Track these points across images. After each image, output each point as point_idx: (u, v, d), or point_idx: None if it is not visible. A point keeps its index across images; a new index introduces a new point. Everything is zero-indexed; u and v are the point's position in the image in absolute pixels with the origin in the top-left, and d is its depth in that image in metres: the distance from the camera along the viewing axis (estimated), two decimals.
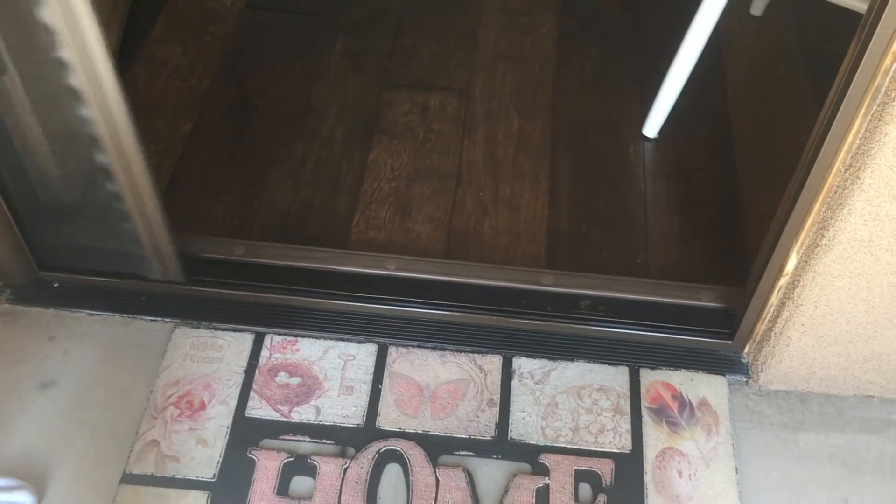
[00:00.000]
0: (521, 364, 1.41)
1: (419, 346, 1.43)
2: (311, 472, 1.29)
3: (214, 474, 1.28)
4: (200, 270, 1.47)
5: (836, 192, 1.11)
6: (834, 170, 1.10)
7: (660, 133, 1.74)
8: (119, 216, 1.34)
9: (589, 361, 1.42)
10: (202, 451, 1.30)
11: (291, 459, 1.30)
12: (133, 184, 1.29)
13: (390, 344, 1.43)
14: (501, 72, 1.87)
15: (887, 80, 0.98)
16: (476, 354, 1.42)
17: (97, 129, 1.21)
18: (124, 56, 1.84)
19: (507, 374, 1.40)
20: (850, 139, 1.06)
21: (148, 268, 1.42)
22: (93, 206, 1.36)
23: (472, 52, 1.90)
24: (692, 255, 1.57)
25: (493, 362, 1.42)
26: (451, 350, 1.43)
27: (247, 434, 1.32)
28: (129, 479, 1.27)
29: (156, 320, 1.44)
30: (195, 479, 1.28)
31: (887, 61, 0.97)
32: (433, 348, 1.43)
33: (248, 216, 1.60)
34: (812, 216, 1.16)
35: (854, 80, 1.01)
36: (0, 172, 1.31)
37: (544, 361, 1.42)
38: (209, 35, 1.91)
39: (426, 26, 1.95)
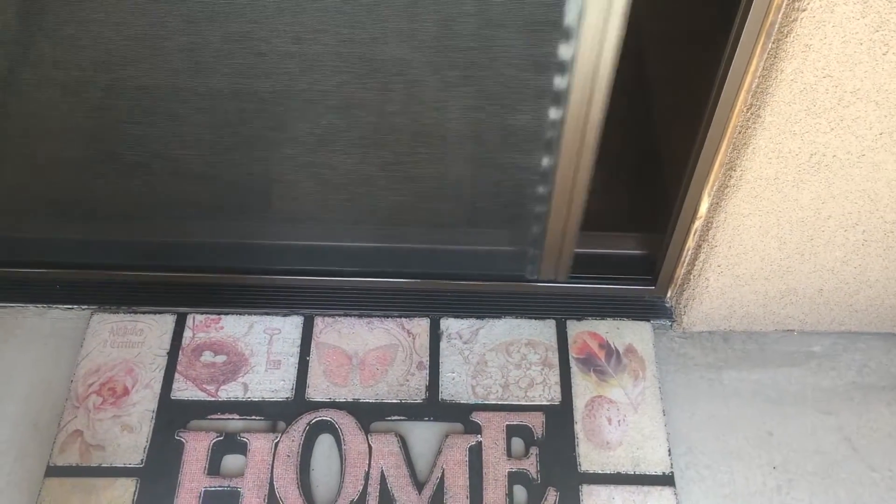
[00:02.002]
0: (449, 325, 1.41)
1: (346, 315, 1.42)
2: (242, 449, 1.28)
3: (142, 460, 1.26)
4: (116, 255, 1.43)
5: (740, 132, 1.12)
6: (736, 110, 1.11)
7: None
8: (534, 219, 1.32)
9: (516, 317, 1.42)
10: (128, 438, 1.28)
11: (221, 438, 1.28)
12: (564, 185, 1.25)
13: (316, 315, 1.42)
14: None
15: (780, 15, 0.98)
16: (403, 319, 1.42)
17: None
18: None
19: (435, 336, 1.40)
20: (749, 78, 1.06)
21: (534, 268, 1.41)
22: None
23: None
24: (613, 204, 1.57)
25: (421, 325, 1.41)
26: (378, 316, 1.42)
27: (174, 416, 1.30)
28: (53, 471, 1.24)
29: (72, 308, 1.40)
30: (122, 466, 1.25)
31: None
32: (360, 316, 1.42)
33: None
34: (720, 157, 1.17)
35: (748, 18, 1.02)
36: None
37: (472, 321, 1.42)
38: None
39: None
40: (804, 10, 0.95)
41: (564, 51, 1.07)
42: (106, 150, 1.33)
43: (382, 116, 1.19)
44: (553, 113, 1.16)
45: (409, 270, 1.45)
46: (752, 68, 1.05)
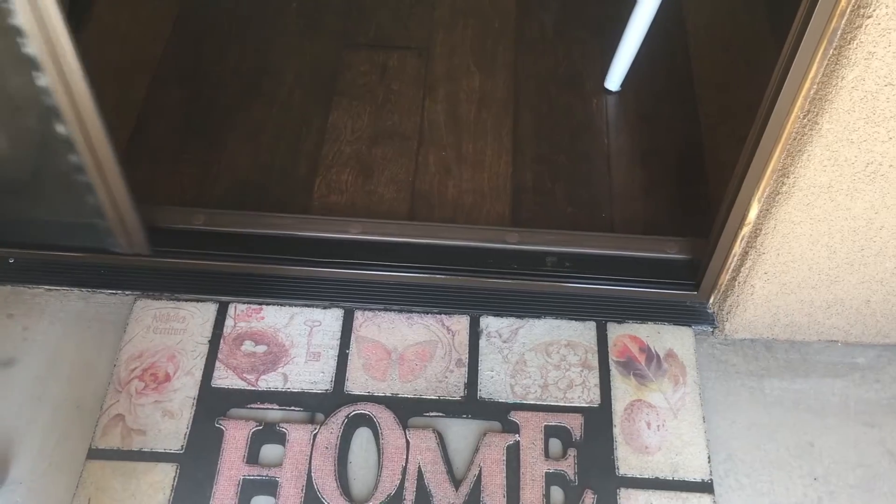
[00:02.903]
0: (489, 323, 1.41)
1: (386, 310, 1.42)
2: (281, 439, 1.28)
3: (182, 446, 1.27)
4: (161, 241, 1.44)
5: (795, 139, 1.10)
6: (793, 116, 1.09)
7: (622, 86, 1.72)
8: (82, 189, 1.30)
9: (556, 318, 1.42)
10: (169, 424, 1.29)
11: (260, 428, 1.29)
12: (95, 155, 1.26)
13: (356, 308, 1.42)
14: (461, 28, 1.84)
15: (843, 22, 0.97)
16: (443, 315, 1.42)
17: (56, 99, 1.17)
18: (71, 22, 1.78)
19: (474, 334, 1.40)
20: (807, 85, 1.05)
21: (113, 241, 1.39)
22: (53, 179, 1.32)
23: (432, 9, 1.87)
24: (656, 208, 1.56)
25: (461, 322, 1.41)
26: (419, 312, 1.42)
27: (214, 404, 1.31)
28: (95, 454, 1.26)
29: (116, 293, 1.42)
30: (162, 451, 1.26)
31: (843, 3, 0.96)
32: (400, 311, 1.42)
33: (207, 184, 1.57)
34: (772, 164, 1.16)
35: (810, 23, 1.00)
36: None
37: (512, 320, 1.42)
38: None
39: None
40: (869, 17, 0.93)
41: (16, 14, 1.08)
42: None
43: None
44: (41, 80, 1.15)
45: (450, 267, 1.45)
46: (812, 74, 1.04)
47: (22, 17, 1.07)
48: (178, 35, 1.80)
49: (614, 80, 1.71)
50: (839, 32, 0.98)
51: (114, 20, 1.81)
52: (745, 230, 1.26)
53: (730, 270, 1.33)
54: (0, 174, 1.32)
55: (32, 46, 1.11)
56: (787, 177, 1.13)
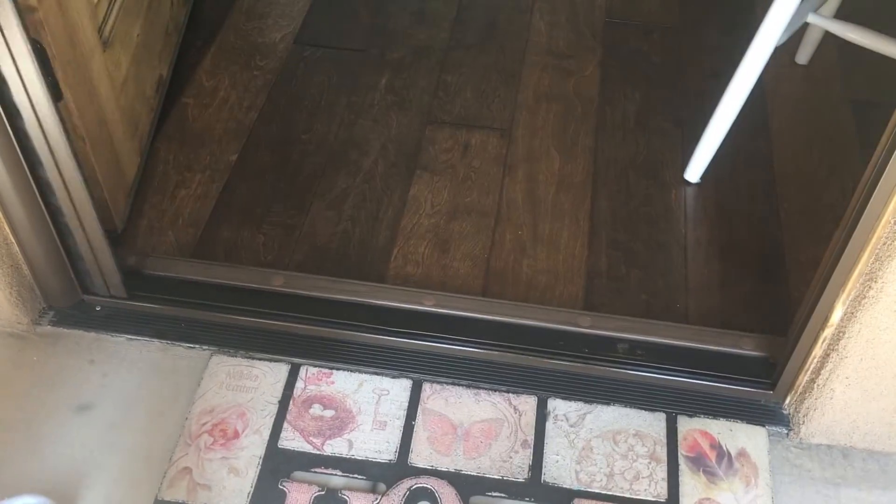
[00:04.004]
0: (557, 406, 1.40)
1: (454, 384, 1.42)
2: None
3: None
4: (238, 300, 1.48)
5: (884, 244, 1.09)
6: (883, 221, 1.08)
7: (702, 178, 1.73)
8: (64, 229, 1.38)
9: (625, 406, 1.40)
10: (234, 481, 1.30)
11: (322, 493, 1.29)
12: (64, 195, 1.33)
13: (425, 380, 1.42)
14: (544, 112, 1.88)
15: None
16: (511, 394, 1.41)
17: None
18: (175, 86, 1.88)
19: (541, 416, 1.39)
20: None
21: (91, 282, 1.47)
22: None
23: (515, 91, 1.92)
24: (732, 302, 1.55)
25: (528, 403, 1.40)
26: (486, 389, 1.42)
27: (279, 465, 1.32)
28: None
29: (193, 347, 1.45)
30: None
31: None
32: (468, 386, 1.42)
33: (287, 247, 1.61)
34: (859, 267, 1.14)
35: None
36: (49, 197, 1.33)
37: (580, 404, 1.40)
38: (257, 68, 1.95)
39: (470, 65, 1.97)
40: None
41: None
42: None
43: None
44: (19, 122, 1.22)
45: (520, 346, 1.45)
46: None
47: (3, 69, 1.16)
48: (272, 103, 1.87)
49: (695, 172, 1.72)
50: None
51: (214, 85, 1.90)
52: (828, 332, 1.23)
53: (809, 372, 1.30)
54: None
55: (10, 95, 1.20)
56: (875, 281, 1.12)
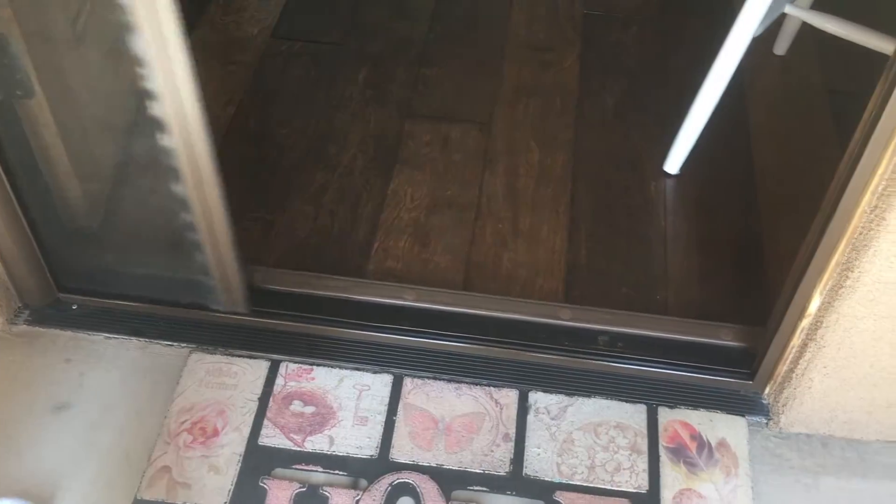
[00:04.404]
0: (538, 399, 1.40)
1: (435, 378, 1.42)
2: (323, 502, 1.28)
3: (225, 502, 1.27)
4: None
5: (861, 234, 1.09)
6: (859, 210, 1.09)
7: (681, 170, 1.73)
8: (191, 246, 1.34)
9: (606, 398, 1.40)
10: (214, 479, 1.29)
11: (303, 489, 1.29)
12: (208, 215, 1.28)
13: (406, 375, 1.42)
14: (523, 105, 1.87)
15: None
16: (492, 388, 1.41)
17: (178, 160, 1.21)
18: None
19: (522, 409, 1.39)
20: (875, 180, 1.05)
21: (214, 298, 1.42)
22: (162, 236, 1.36)
23: (495, 85, 1.91)
24: (712, 293, 1.55)
25: (509, 396, 1.40)
26: (468, 383, 1.41)
27: (259, 462, 1.31)
28: None
29: (172, 345, 1.44)
30: None
31: None
32: (449, 380, 1.42)
33: (265, 243, 1.60)
34: (836, 257, 1.15)
35: (880, 121, 1.01)
36: (25, 196, 1.32)
37: (561, 397, 1.40)
38: (234, 63, 1.93)
39: (450, 59, 1.96)
40: None
41: (148, 79, 1.11)
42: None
43: None
44: (164, 140, 1.18)
45: (501, 339, 1.45)
46: (881, 171, 1.04)
47: (157, 81, 1.11)
48: (250, 98, 1.86)
49: (674, 164, 1.72)
50: None
51: None
52: (805, 322, 1.24)
53: (787, 362, 1.31)
54: (112, 229, 1.36)
55: (160, 108, 1.15)
56: (852, 271, 1.12)
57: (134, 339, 1.45)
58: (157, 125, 1.17)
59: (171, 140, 1.18)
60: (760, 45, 1.89)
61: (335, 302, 1.48)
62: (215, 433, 1.34)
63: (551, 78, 1.93)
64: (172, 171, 1.22)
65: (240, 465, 1.31)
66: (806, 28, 1.82)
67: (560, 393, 1.41)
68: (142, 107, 1.15)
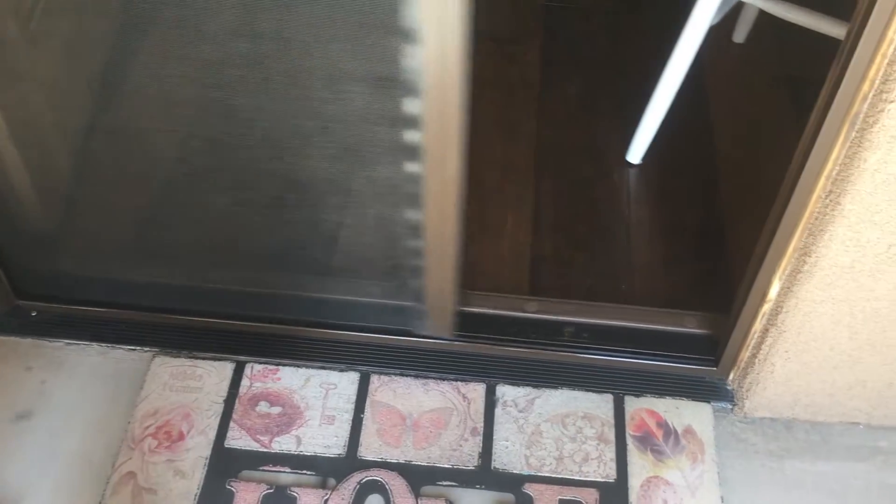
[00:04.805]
0: (505, 392, 1.40)
1: (402, 375, 1.41)
2: (291, 503, 1.27)
3: None
4: (180, 299, 1.45)
5: (817, 219, 1.10)
6: (814, 196, 1.10)
7: (643, 159, 1.74)
8: (409, 272, 1.32)
9: (573, 389, 1.41)
10: (180, 483, 1.28)
11: (271, 491, 1.28)
12: (440, 241, 1.26)
13: (373, 372, 1.41)
14: (487, 98, 1.87)
15: (865, 106, 0.98)
16: (459, 382, 1.41)
17: (423, 187, 1.18)
18: None
19: (490, 403, 1.39)
20: (829, 166, 1.06)
21: (421, 324, 1.41)
22: (382, 261, 1.35)
23: None
24: (676, 282, 1.56)
25: (477, 390, 1.40)
26: (434, 378, 1.41)
27: (226, 465, 1.30)
28: None
29: (135, 349, 1.42)
30: None
31: (865, 87, 0.97)
32: (416, 376, 1.41)
33: None
34: (794, 242, 1.16)
35: (833, 106, 1.02)
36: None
37: (528, 389, 1.41)
38: None
39: None
40: (892, 102, 0.94)
41: (412, 106, 1.09)
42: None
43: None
44: (411, 167, 1.16)
45: (467, 334, 1.45)
46: (834, 156, 1.05)
47: (418, 105, 1.09)
48: None
49: (636, 154, 1.73)
50: (861, 116, 0.99)
51: None
52: (766, 307, 1.25)
53: (750, 347, 1.32)
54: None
55: (418, 136, 1.13)
56: (809, 256, 1.13)
57: (95, 345, 1.43)
58: (408, 152, 1.14)
59: (419, 167, 1.16)
60: (719, 33, 1.90)
61: (300, 300, 1.47)
62: (181, 437, 1.33)
63: (514, 70, 1.93)
64: (412, 197, 1.20)
65: (206, 468, 1.30)
66: (764, 15, 1.83)
67: (527, 385, 1.41)
68: (395, 134, 1.13)
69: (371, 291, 1.41)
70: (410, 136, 1.13)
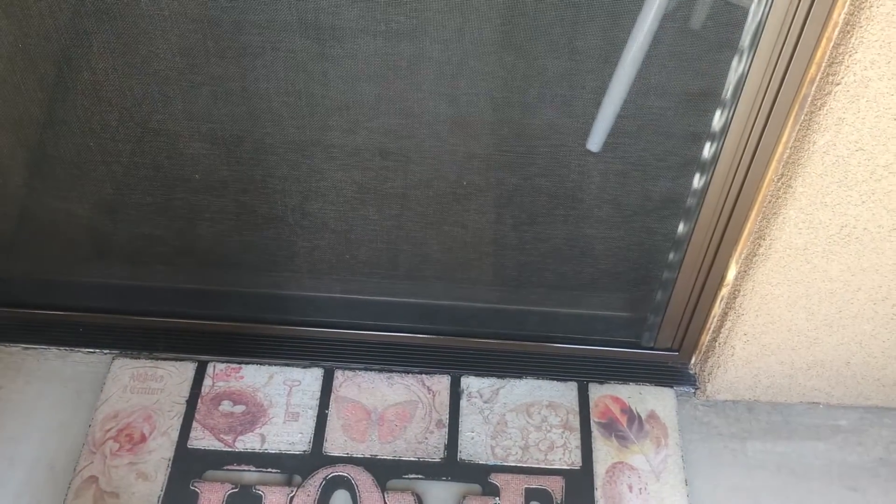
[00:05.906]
0: (470, 383, 1.40)
1: (366, 369, 1.41)
2: (257, 502, 1.26)
3: None
4: (139, 299, 1.44)
5: (770, 202, 1.11)
6: (767, 180, 1.11)
7: (603, 147, 1.74)
8: (655, 285, 1.33)
9: (538, 378, 1.41)
10: (143, 486, 1.27)
11: (236, 490, 1.27)
12: (700, 255, 1.25)
13: (336, 368, 1.41)
14: None
15: (813, 89, 0.99)
16: (424, 375, 1.41)
17: (702, 201, 1.18)
18: None
19: (455, 394, 1.39)
20: (780, 149, 1.07)
21: (649, 336, 1.39)
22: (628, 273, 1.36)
23: None
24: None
25: (441, 383, 1.40)
26: (399, 372, 1.41)
27: (190, 466, 1.29)
28: None
29: (94, 352, 1.41)
30: None
31: (812, 71, 0.98)
32: (380, 370, 1.41)
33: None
34: (749, 226, 1.17)
35: (781, 90, 1.02)
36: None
37: (493, 380, 1.41)
38: None
39: None
40: (838, 85, 0.95)
41: (718, 120, 1.10)
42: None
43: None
44: (697, 182, 1.17)
45: (431, 327, 1.44)
46: (785, 139, 1.05)
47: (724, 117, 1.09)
48: None
49: (596, 142, 1.73)
50: (809, 99, 1.00)
51: None
52: (724, 291, 1.26)
53: (710, 331, 1.33)
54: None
55: (712, 151, 1.12)
56: (764, 239, 1.14)
57: (53, 349, 1.41)
58: (698, 166, 1.14)
59: (704, 180, 1.16)
60: (676, 19, 1.91)
61: (261, 298, 1.46)
62: (143, 439, 1.31)
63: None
64: (686, 211, 1.21)
65: (169, 469, 1.28)
66: (720, 1, 1.84)
67: (492, 376, 1.41)
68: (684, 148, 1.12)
69: (605, 304, 1.41)
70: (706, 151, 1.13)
